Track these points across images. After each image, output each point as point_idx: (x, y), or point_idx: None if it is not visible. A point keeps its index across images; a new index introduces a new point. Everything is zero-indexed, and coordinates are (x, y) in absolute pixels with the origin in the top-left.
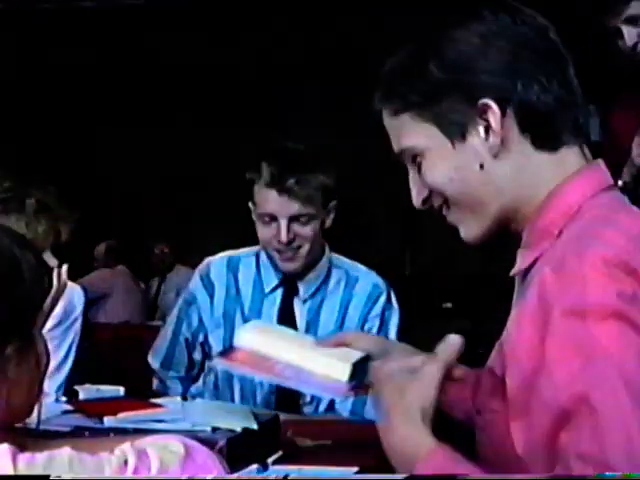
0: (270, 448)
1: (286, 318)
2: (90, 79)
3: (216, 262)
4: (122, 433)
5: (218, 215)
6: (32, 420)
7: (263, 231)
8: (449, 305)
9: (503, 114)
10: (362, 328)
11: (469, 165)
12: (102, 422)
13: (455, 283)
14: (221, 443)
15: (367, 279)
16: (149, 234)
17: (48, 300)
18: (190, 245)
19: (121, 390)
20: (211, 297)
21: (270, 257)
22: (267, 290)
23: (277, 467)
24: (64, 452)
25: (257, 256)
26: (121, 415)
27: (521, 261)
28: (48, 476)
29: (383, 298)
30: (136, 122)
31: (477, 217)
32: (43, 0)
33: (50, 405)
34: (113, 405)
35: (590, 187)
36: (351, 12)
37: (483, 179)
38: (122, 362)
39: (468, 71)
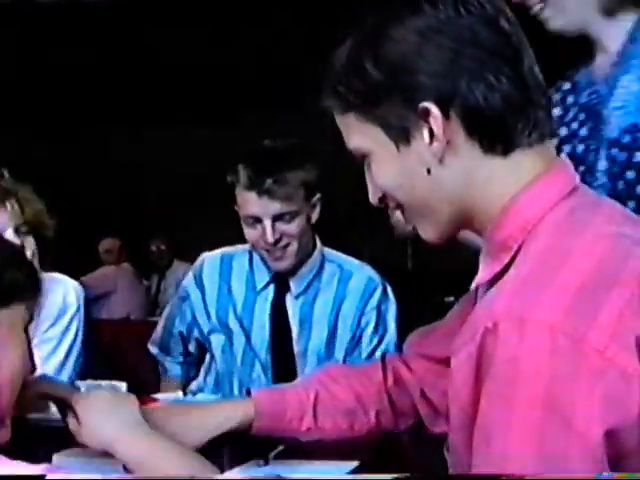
0: (271, 443)
1: (278, 315)
2: (90, 77)
3: (210, 260)
4: None
5: (215, 212)
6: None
7: (249, 233)
8: (451, 299)
9: (447, 117)
10: (359, 323)
11: (416, 170)
12: None
13: (457, 277)
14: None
15: (361, 273)
16: (147, 231)
17: None
18: (188, 241)
19: (123, 386)
20: (203, 295)
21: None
22: (259, 287)
23: (278, 462)
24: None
25: (251, 253)
26: None
27: (482, 273)
28: (43, 476)
29: (379, 291)
30: (136, 121)
31: (430, 221)
32: None
33: None
34: None
35: (548, 197)
36: (352, 10)
37: (431, 185)
38: (124, 358)
39: (406, 72)
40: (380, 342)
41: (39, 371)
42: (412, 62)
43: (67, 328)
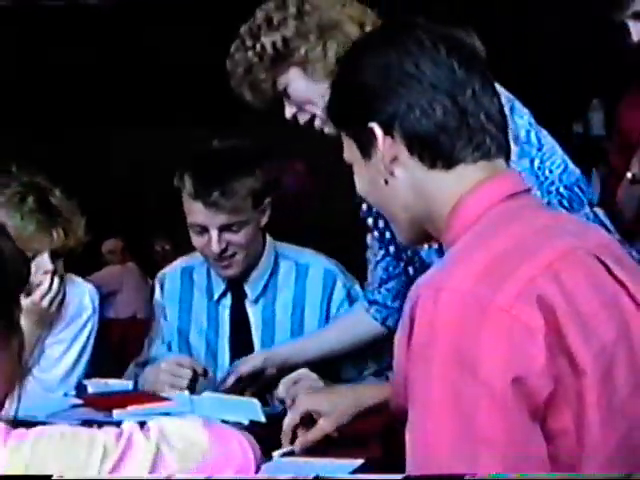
0: (278, 441)
1: (239, 323)
2: (90, 77)
3: (170, 274)
4: None
5: None
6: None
7: (196, 240)
8: None
9: (392, 137)
10: (327, 317)
11: (377, 180)
12: (111, 415)
13: None
14: None
15: (317, 266)
16: (149, 231)
17: (46, 301)
18: (191, 241)
19: (130, 384)
20: (164, 311)
21: None
22: (216, 297)
23: (284, 459)
24: (57, 426)
25: (208, 263)
26: (129, 408)
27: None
28: (50, 476)
29: (341, 279)
30: (136, 121)
31: (396, 225)
32: None
33: (59, 399)
34: (122, 399)
35: (489, 198)
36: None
37: (390, 194)
38: (131, 357)
39: (362, 97)
40: None
41: (50, 372)
42: (366, 89)
43: (81, 330)
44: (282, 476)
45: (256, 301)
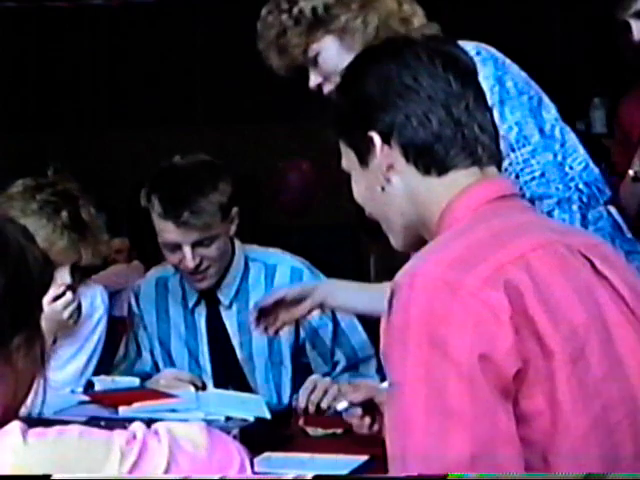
0: (282, 437)
1: (216, 329)
2: (95, 78)
3: (145, 285)
4: None
5: None
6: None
7: (170, 257)
8: None
9: (389, 145)
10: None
11: (374, 187)
12: (117, 412)
13: None
14: (234, 432)
15: (284, 264)
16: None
17: (66, 314)
18: None
19: (136, 381)
20: (142, 319)
21: None
22: (190, 305)
23: (288, 454)
24: (74, 427)
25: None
26: (136, 405)
27: None
28: (49, 476)
29: (306, 276)
30: (140, 121)
31: (391, 232)
32: None
33: (66, 396)
34: (128, 395)
35: (475, 200)
36: None
37: (386, 200)
38: None
39: (362, 107)
40: (335, 320)
41: (61, 372)
42: (367, 100)
43: (92, 331)
44: (282, 475)
45: (230, 306)
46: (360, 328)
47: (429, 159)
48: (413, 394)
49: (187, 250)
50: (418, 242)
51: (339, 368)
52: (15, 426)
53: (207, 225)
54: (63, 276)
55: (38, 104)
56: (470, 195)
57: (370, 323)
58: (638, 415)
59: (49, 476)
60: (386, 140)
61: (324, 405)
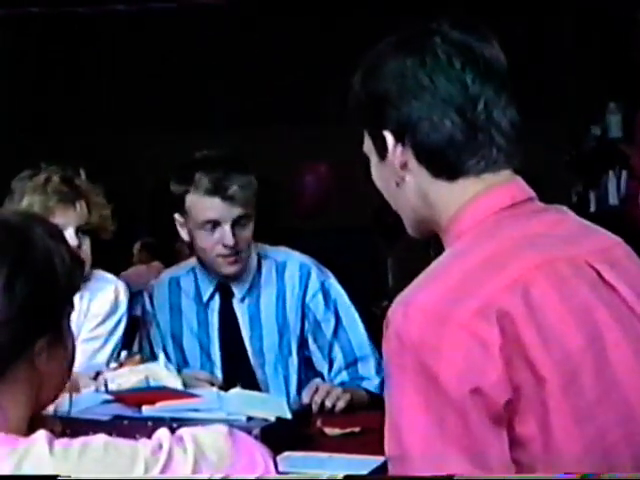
0: (302, 437)
1: (228, 321)
2: (106, 81)
3: (158, 285)
4: (160, 422)
5: None
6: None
7: (206, 238)
8: None
9: (403, 144)
10: (305, 310)
11: (390, 180)
12: (140, 411)
13: None
14: (255, 432)
15: (293, 261)
16: (167, 231)
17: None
18: None
19: (161, 359)
20: (155, 317)
21: (205, 266)
22: (205, 299)
23: (308, 454)
24: (100, 437)
25: (194, 270)
26: (159, 404)
27: None
28: (56, 476)
29: (314, 273)
30: (159, 125)
31: (405, 220)
32: (68, 4)
33: (90, 395)
34: (151, 395)
35: (482, 211)
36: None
37: (400, 195)
38: None
39: (380, 103)
40: (338, 317)
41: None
42: (384, 97)
43: (115, 327)
44: (294, 476)
45: (242, 300)
46: (361, 326)
47: (440, 163)
48: (411, 419)
49: (227, 227)
50: (430, 233)
51: (337, 365)
52: (41, 435)
53: (248, 201)
54: (68, 238)
55: (58, 108)
56: (477, 205)
57: (371, 322)
58: (637, 435)
59: (55, 476)
60: (400, 139)
61: (328, 404)
